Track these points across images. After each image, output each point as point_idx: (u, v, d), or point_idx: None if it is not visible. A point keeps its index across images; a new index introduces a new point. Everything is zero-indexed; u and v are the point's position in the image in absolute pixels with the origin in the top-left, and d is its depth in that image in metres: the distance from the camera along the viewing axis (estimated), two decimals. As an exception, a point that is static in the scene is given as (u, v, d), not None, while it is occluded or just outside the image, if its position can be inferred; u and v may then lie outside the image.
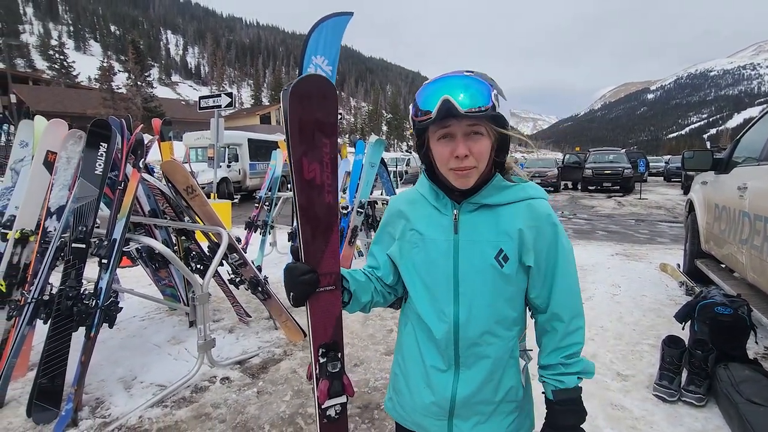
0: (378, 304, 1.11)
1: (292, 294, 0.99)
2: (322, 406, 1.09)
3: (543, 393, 1.02)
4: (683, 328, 2.70)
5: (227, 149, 14.09)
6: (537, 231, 0.95)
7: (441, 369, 0.99)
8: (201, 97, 8.23)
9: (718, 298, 2.58)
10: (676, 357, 2.40)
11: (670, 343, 2.49)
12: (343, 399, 1.11)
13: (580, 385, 0.98)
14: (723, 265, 3.65)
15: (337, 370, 1.08)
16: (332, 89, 1.00)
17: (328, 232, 1.04)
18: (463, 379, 0.97)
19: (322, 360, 1.08)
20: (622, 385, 2.46)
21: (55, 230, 2.38)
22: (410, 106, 0.97)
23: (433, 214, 1.00)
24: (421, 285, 1.01)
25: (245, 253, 3.37)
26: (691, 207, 4.32)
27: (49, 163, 2.57)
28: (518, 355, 1.01)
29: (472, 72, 0.91)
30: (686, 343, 2.51)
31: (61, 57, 52.93)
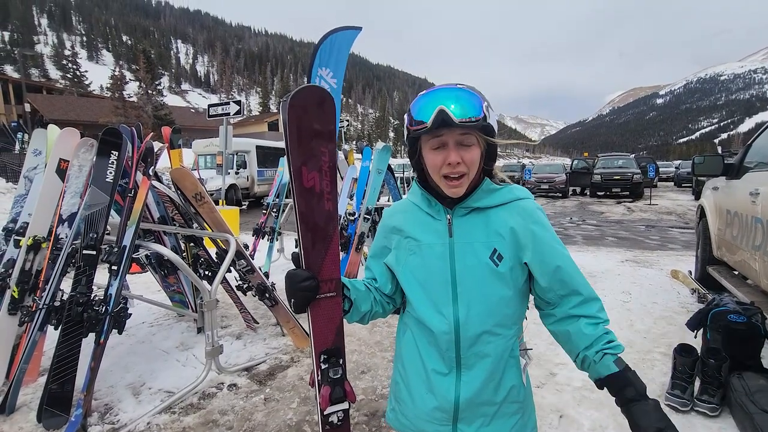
0: (377, 314, 1.13)
1: (293, 300, 1.00)
2: (324, 413, 1.09)
3: (597, 380, 0.95)
4: (695, 337, 2.65)
5: (236, 156, 14.22)
6: (528, 228, 0.98)
7: (443, 372, 1.00)
8: (210, 105, 8.33)
9: (731, 306, 2.53)
10: (688, 366, 2.35)
11: (682, 351, 2.44)
12: (345, 405, 1.11)
13: None
14: (736, 272, 3.59)
15: (339, 376, 1.09)
16: (330, 99, 1.02)
17: (328, 239, 1.05)
18: (465, 381, 0.98)
19: (323, 366, 1.09)
20: (634, 394, 2.42)
21: (66, 237, 2.42)
22: (405, 116, 1.00)
23: (427, 220, 1.04)
24: (419, 290, 1.03)
25: (253, 259, 3.38)
26: (702, 213, 4.26)
27: (62, 171, 2.61)
28: (518, 354, 1.02)
29: (463, 85, 0.96)
30: (699, 351, 2.47)
31: (74, 66, 53.97)
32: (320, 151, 1.02)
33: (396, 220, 1.09)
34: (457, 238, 0.99)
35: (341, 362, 1.10)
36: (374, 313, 1.12)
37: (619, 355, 0.93)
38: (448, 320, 0.98)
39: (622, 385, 0.91)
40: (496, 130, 0.98)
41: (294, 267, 1.04)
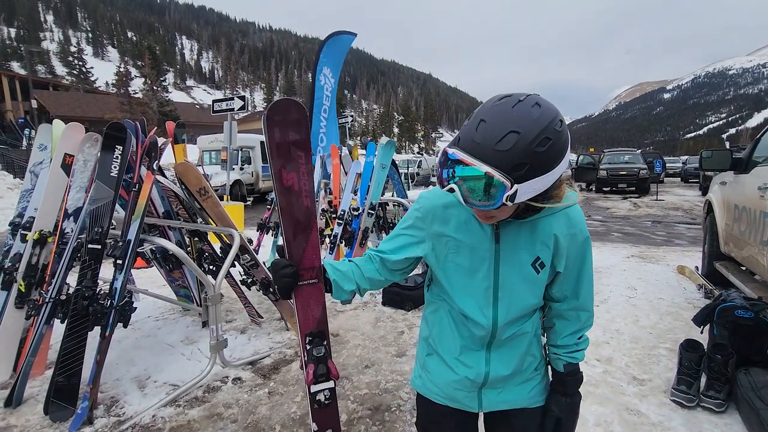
0: (367, 290, 1.17)
1: (276, 287, 1.11)
2: (311, 391, 1.20)
3: (549, 365, 1.16)
4: (702, 332, 2.63)
5: (240, 152, 14.24)
6: (571, 238, 1.01)
7: (475, 349, 1.07)
8: (214, 101, 8.33)
9: (738, 301, 2.51)
10: (694, 361, 2.34)
11: (688, 347, 2.43)
12: (330, 384, 1.22)
13: None
14: (743, 268, 3.55)
15: (322, 354, 1.20)
16: (302, 111, 1.21)
17: (307, 231, 1.20)
18: (495, 358, 1.06)
19: (308, 347, 1.20)
20: (639, 390, 2.41)
21: (72, 231, 2.43)
22: (439, 156, 0.90)
23: (473, 223, 1.01)
24: (460, 287, 1.05)
25: (257, 254, 3.39)
26: (709, 208, 4.22)
27: (67, 166, 2.62)
28: (540, 333, 1.14)
29: (510, 129, 0.79)
30: (705, 347, 2.45)
31: (80, 63, 54.19)
32: (297, 155, 1.19)
33: (438, 209, 1.04)
34: (504, 244, 1.00)
35: (324, 343, 1.22)
36: (362, 289, 1.15)
37: (571, 362, 1.11)
38: (487, 320, 1.03)
39: (558, 380, 1.13)
40: (547, 186, 0.86)
41: (278, 257, 1.14)
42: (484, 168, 0.80)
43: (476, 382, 1.07)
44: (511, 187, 0.80)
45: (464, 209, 1.02)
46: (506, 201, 0.81)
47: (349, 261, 1.15)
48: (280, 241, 1.22)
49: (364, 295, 1.22)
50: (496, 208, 0.84)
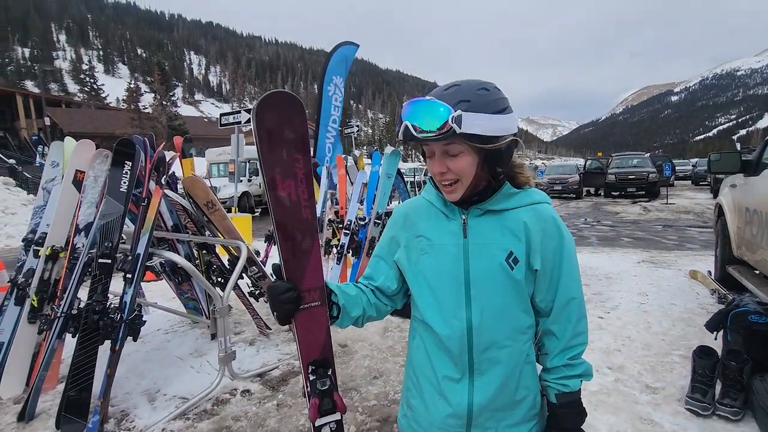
0: (371, 318, 1.10)
1: (275, 313, 0.99)
2: (315, 425, 1.07)
3: (543, 396, 1.03)
4: (715, 338, 2.58)
5: (248, 164, 14.38)
6: (543, 234, 0.96)
7: (454, 378, 0.97)
8: (222, 114, 8.43)
9: (751, 306, 2.46)
10: (708, 368, 2.29)
11: (702, 353, 2.38)
12: (337, 416, 1.08)
13: (581, 387, 1.00)
14: (757, 272, 3.49)
15: (327, 387, 1.06)
16: (299, 104, 0.99)
17: (308, 248, 1.03)
18: (478, 386, 0.96)
19: (311, 378, 1.06)
20: (652, 398, 2.36)
21: (83, 246, 2.47)
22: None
23: (441, 220, 1.01)
24: (429, 293, 1.00)
25: (265, 266, 3.41)
26: (720, 211, 4.16)
27: (78, 182, 2.67)
28: (534, 359, 1.01)
29: (453, 85, 0.92)
30: (719, 353, 2.40)
31: (92, 80, 55.49)
32: (294, 158, 0.99)
33: (408, 216, 1.07)
34: (472, 239, 0.96)
35: (330, 373, 1.08)
36: (368, 316, 1.09)
37: (563, 391, 0.99)
38: (460, 325, 0.95)
39: (551, 413, 1.02)
40: (495, 134, 0.89)
41: (276, 278, 1.02)
42: (430, 97, 0.90)
43: (460, 417, 0.97)
44: (455, 111, 0.86)
45: (434, 209, 1.03)
46: (452, 122, 0.86)
47: (355, 285, 1.10)
48: (277, 260, 1.10)
49: (362, 326, 1.11)
50: (440, 130, 0.86)
